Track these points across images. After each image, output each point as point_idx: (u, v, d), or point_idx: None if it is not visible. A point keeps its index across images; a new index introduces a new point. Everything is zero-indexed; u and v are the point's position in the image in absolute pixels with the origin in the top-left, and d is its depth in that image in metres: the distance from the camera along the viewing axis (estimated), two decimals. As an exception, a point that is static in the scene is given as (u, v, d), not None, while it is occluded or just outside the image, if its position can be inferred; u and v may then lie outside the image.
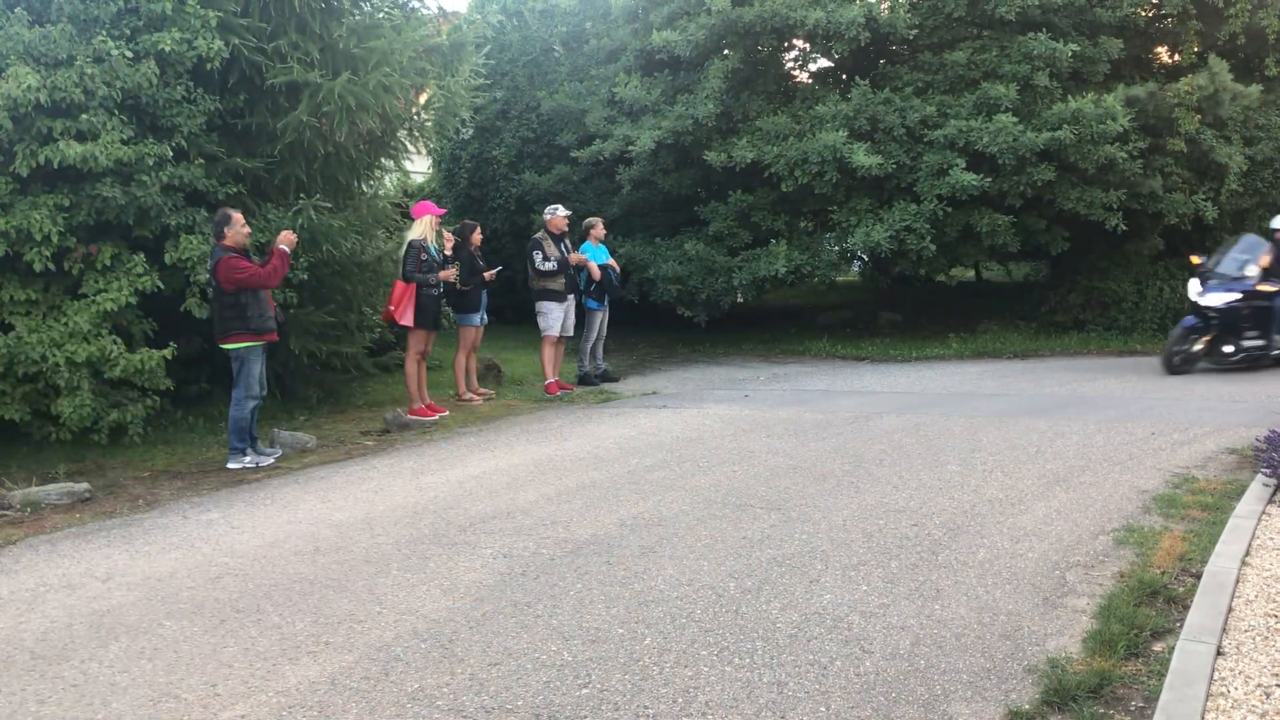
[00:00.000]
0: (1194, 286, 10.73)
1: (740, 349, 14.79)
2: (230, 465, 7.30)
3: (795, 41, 14.65)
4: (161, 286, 7.76)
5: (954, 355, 13.08)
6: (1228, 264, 10.71)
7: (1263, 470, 5.65)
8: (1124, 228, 13.01)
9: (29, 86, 7.07)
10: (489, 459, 7.31)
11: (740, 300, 14.42)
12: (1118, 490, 5.87)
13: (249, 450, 7.36)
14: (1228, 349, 10.48)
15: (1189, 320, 10.64)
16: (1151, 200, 13.27)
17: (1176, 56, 14.67)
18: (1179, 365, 10.47)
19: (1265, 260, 10.56)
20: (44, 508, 6.23)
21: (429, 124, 10.32)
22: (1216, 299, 10.36)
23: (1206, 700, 3.14)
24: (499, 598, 4.34)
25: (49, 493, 6.37)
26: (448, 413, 9.26)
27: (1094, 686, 3.33)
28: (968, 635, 3.81)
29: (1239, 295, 10.37)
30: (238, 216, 7.25)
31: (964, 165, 12.38)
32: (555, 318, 10.42)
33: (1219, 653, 3.47)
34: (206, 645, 3.94)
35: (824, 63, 15.30)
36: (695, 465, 6.82)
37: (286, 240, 7.46)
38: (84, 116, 7.35)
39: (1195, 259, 11.18)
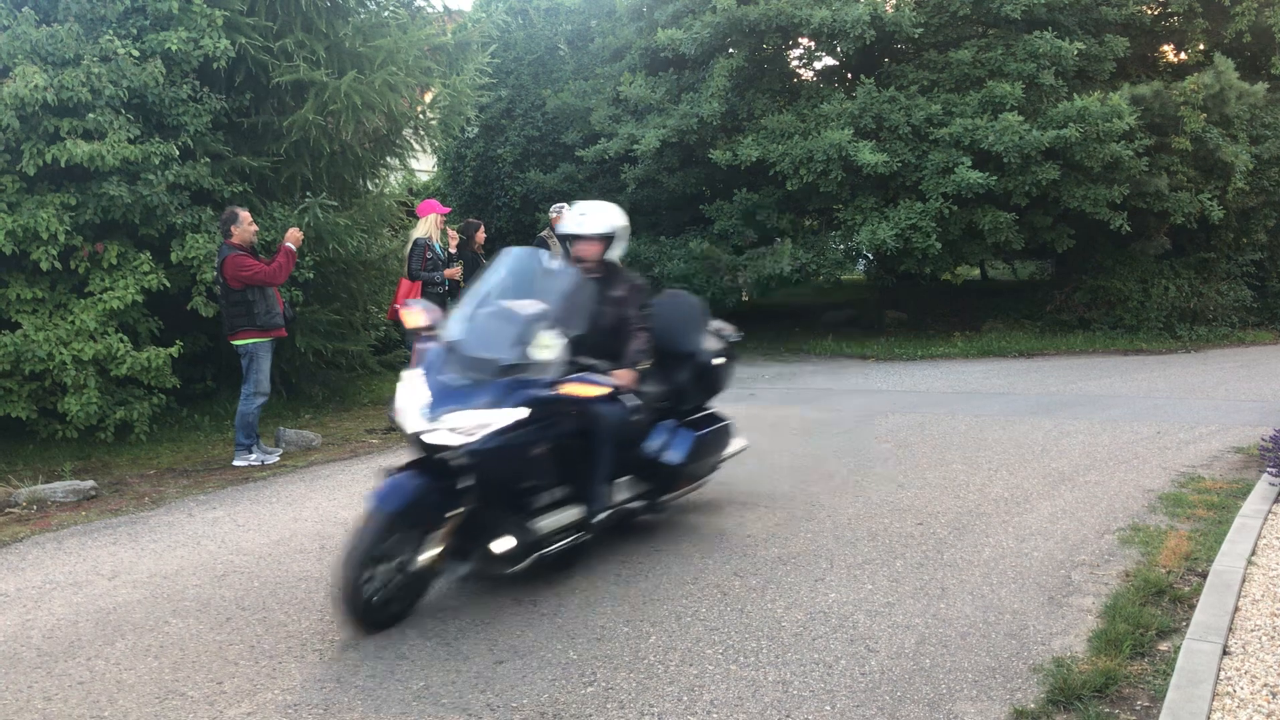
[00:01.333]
0: (412, 391, 4.18)
1: (745, 347, 14.69)
2: (237, 462, 7.32)
3: (800, 40, 14.65)
4: (168, 285, 7.78)
5: (959, 354, 13.06)
6: (489, 330, 4.32)
7: (1269, 470, 5.64)
8: (1128, 228, 12.98)
9: (36, 86, 7.09)
10: (494, 457, 7.30)
11: (745, 299, 14.40)
12: (1123, 489, 5.86)
13: (255, 447, 7.39)
14: (503, 546, 4.15)
15: (395, 485, 4.00)
16: (1157, 199, 13.24)
17: (1182, 55, 14.65)
18: (377, 608, 3.94)
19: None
20: (50, 505, 6.25)
21: (434, 122, 10.34)
22: (466, 424, 4.01)
23: (1213, 700, 3.13)
24: (503, 595, 4.35)
25: (55, 490, 6.39)
26: (453, 411, 9.24)
27: (1099, 686, 3.33)
28: (973, 634, 3.81)
29: (523, 413, 4.11)
30: (245, 215, 7.27)
31: (970, 164, 12.37)
32: (560, 316, 10.39)
33: (1225, 652, 3.47)
34: (212, 643, 3.95)
35: (829, 61, 15.30)
36: (700, 464, 6.80)
37: (293, 238, 7.47)
38: (91, 115, 7.38)
39: (410, 317, 4.57)
